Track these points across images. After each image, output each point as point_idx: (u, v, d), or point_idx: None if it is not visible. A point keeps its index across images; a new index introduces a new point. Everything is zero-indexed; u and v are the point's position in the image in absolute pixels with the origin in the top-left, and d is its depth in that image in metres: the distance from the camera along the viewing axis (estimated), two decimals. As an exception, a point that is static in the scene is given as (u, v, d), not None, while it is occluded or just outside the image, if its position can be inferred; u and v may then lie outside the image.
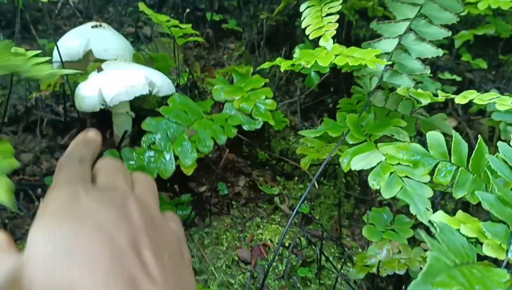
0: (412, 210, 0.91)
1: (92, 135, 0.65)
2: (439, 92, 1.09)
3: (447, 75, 1.57)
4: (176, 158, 1.04)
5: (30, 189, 1.16)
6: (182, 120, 1.11)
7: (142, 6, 1.14)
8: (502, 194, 0.70)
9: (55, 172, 0.56)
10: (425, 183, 0.92)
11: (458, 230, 0.68)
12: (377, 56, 1.03)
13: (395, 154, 0.90)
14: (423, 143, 0.97)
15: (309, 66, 1.05)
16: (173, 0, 1.70)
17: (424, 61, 1.15)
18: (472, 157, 0.84)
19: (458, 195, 0.82)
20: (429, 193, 0.93)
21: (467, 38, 1.61)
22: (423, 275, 0.49)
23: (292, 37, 1.61)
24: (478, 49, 1.74)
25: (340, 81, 1.47)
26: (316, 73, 1.42)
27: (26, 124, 1.35)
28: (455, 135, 0.87)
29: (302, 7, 1.29)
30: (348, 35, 1.57)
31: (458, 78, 1.57)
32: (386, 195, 0.95)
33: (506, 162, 0.75)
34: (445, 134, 0.98)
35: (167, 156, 1.05)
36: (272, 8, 1.69)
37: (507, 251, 0.68)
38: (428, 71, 1.12)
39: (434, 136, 0.87)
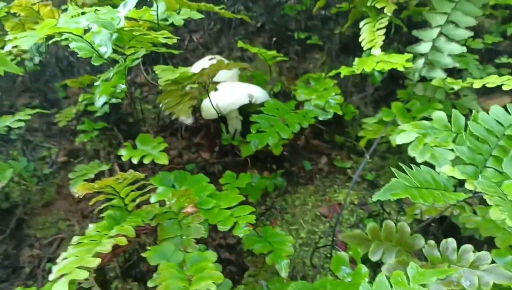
0: (437, 169, 1.26)
1: None
2: (468, 78, 1.40)
3: (503, 60, 1.80)
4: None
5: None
6: (276, 114, 1.57)
7: (240, 44, 1.63)
8: (473, 146, 1.04)
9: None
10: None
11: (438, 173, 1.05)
12: (413, 58, 1.39)
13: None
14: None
15: (358, 72, 1.44)
16: (268, 26, 2.18)
17: (481, 49, 1.45)
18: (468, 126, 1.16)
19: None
20: (451, 156, 1.26)
21: (518, 25, 1.83)
22: (384, 189, 0.89)
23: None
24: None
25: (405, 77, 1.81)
26: (379, 72, 1.78)
27: (171, 131, 1.93)
28: (454, 111, 1.20)
29: (361, 24, 1.68)
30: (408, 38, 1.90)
31: (513, 61, 1.80)
32: (419, 159, 1.30)
33: (482, 125, 1.09)
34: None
35: (270, 138, 1.50)
36: (346, 21, 2.08)
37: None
38: (457, 64, 1.43)
39: (438, 115, 1.22)
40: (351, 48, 2.02)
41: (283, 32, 2.17)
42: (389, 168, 1.65)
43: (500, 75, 1.80)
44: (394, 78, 1.88)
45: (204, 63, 1.84)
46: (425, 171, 1.05)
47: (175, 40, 1.35)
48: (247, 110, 1.80)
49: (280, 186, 1.61)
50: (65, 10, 2.48)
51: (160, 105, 1.47)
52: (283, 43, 2.13)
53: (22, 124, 1.57)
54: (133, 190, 1.17)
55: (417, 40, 1.53)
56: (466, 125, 1.17)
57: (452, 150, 1.25)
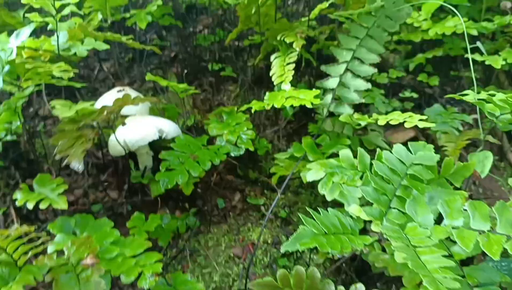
0: (346, 208, 1.25)
1: None
2: (374, 115, 1.43)
3: (407, 94, 1.88)
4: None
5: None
6: (187, 150, 1.51)
7: (148, 77, 1.56)
8: (378, 187, 1.05)
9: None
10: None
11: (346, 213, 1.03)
12: (323, 92, 1.40)
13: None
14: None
15: (268, 107, 1.43)
16: (182, 56, 2.13)
17: (386, 84, 1.49)
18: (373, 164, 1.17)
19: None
20: (359, 194, 1.26)
21: (419, 61, 1.92)
22: (292, 239, 0.85)
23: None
24: (438, 66, 2.03)
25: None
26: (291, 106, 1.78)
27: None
28: (359, 150, 1.21)
29: (271, 58, 1.68)
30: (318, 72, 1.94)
31: (416, 96, 1.88)
32: (329, 197, 1.29)
33: (386, 165, 1.10)
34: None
35: (180, 177, 1.42)
36: (259, 53, 2.08)
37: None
38: (363, 100, 1.46)
39: (344, 153, 1.22)
40: (264, 80, 2.02)
41: (197, 63, 2.13)
42: (302, 204, 1.64)
43: (405, 109, 1.89)
44: (306, 112, 1.89)
45: (113, 95, 1.74)
46: (332, 215, 1.04)
47: (71, 74, 1.26)
48: (159, 145, 1.73)
49: (193, 226, 1.54)
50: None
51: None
52: (197, 74, 2.08)
53: None
54: (24, 243, 1.05)
55: (327, 75, 1.54)
56: (371, 163, 1.18)
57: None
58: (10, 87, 1.57)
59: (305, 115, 1.90)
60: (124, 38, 1.68)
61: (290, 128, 1.88)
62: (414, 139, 1.77)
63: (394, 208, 1.07)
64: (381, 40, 1.46)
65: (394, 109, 1.81)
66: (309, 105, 1.34)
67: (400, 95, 1.89)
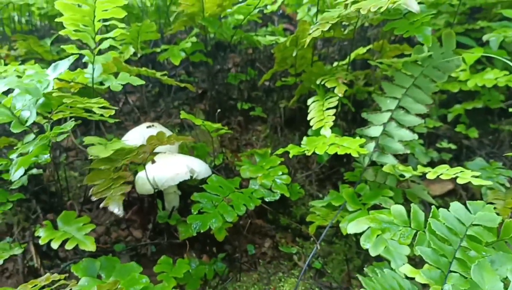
0: (392, 265, 1.18)
1: None
2: (418, 167, 1.37)
3: (444, 144, 1.83)
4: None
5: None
6: (220, 193, 1.44)
7: (183, 115, 1.51)
8: (437, 247, 0.97)
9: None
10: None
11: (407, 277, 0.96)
12: (364, 142, 1.34)
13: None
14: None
15: (309, 153, 1.37)
16: (210, 93, 2.09)
17: (423, 133, 1.44)
18: (428, 222, 1.10)
19: (417, 252, 1.08)
20: (407, 251, 1.19)
21: (458, 112, 1.88)
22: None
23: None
24: (473, 117, 1.99)
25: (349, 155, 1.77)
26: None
27: (99, 202, 1.72)
28: (413, 206, 1.14)
29: (309, 102, 1.63)
30: (353, 116, 1.89)
31: (453, 147, 1.82)
32: (373, 253, 1.21)
33: (444, 223, 1.02)
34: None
35: (214, 221, 1.35)
36: (291, 94, 2.04)
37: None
38: (407, 151, 1.41)
39: (397, 209, 1.15)
40: (295, 122, 1.97)
41: (226, 101, 2.09)
42: (336, 255, 1.56)
43: (442, 160, 1.83)
44: (338, 157, 1.83)
45: (142, 130, 1.68)
46: (390, 277, 0.96)
47: (112, 112, 1.20)
48: (186, 184, 1.66)
49: (221, 273, 1.46)
50: (-15, 60, 2.25)
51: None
52: (225, 112, 2.04)
53: None
54: (51, 291, 0.97)
55: (363, 120, 1.49)
56: (425, 221, 1.11)
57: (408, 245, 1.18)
58: (39, 118, 1.52)
59: (336, 160, 1.84)
60: (158, 74, 1.64)
61: (321, 173, 1.82)
62: (453, 191, 1.71)
63: (455, 271, 0.99)
64: (428, 90, 1.42)
65: (432, 160, 1.75)
66: (355, 155, 1.28)
67: (437, 145, 1.84)
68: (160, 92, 2.21)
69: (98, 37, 1.40)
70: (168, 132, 1.71)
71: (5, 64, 1.70)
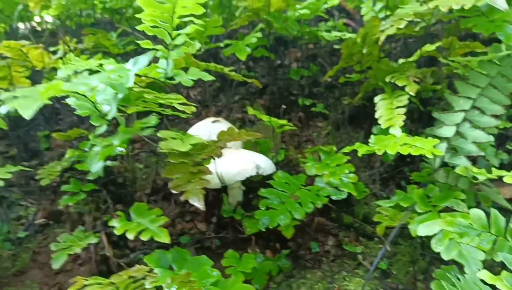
0: (466, 270, 1.15)
1: None
2: (493, 169, 1.32)
3: (515, 146, 1.76)
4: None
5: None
6: (287, 189, 1.45)
7: (250, 111, 1.52)
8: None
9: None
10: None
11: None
12: (437, 143, 1.31)
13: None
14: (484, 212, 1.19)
15: (380, 153, 1.35)
16: (271, 89, 2.10)
17: (493, 134, 1.39)
18: (510, 227, 1.07)
19: (499, 258, 1.05)
20: (482, 256, 1.16)
21: (531, 112, 1.80)
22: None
23: (372, 116, 1.90)
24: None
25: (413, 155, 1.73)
26: (391, 151, 1.70)
27: (164, 194, 1.77)
28: (493, 211, 1.10)
29: (376, 99, 1.61)
30: (419, 115, 1.85)
31: (525, 148, 1.75)
32: (445, 257, 1.19)
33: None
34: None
35: (282, 218, 1.37)
36: (353, 91, 2.01)
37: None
38: (482, 153, 1.36)
39: (476, 213, 1.12)
40: (358, 119, 1.95)
41: (286, 96, 2.09)
42: (401, 256, 1.53)
43: (512, 162, 1.76)
44: (402, 157, 1.80)
45: (207, 125, 1.71)
46: (472, 283, 0.94)
47: (194, 109, 1.23)
48: (249, 179, 1.68)
49: (285, 269, 1.47)
50: (55, 52, 2.35)
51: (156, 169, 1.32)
52: (286, 108, 2.04)
53: (0, 183, 1.38)
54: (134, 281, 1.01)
55: (429, 119, 1.45)
56: (507, 226, 1.08)
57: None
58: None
59: (400, 159, 1.81)
60: (226, 70, 1.66)
61: (385, 172, 1.79)
62: (525, 195, 1.65)
63: (541, 282, 0.96)
64: (506, 90, 1.37)
65: (502, 162, 1.69)
66: (429, 155, 1.26)
67: (507, 146, 1.77)
68: (221, 86, 2.23)
69: (174, 33, 1.43)
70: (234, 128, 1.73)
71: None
